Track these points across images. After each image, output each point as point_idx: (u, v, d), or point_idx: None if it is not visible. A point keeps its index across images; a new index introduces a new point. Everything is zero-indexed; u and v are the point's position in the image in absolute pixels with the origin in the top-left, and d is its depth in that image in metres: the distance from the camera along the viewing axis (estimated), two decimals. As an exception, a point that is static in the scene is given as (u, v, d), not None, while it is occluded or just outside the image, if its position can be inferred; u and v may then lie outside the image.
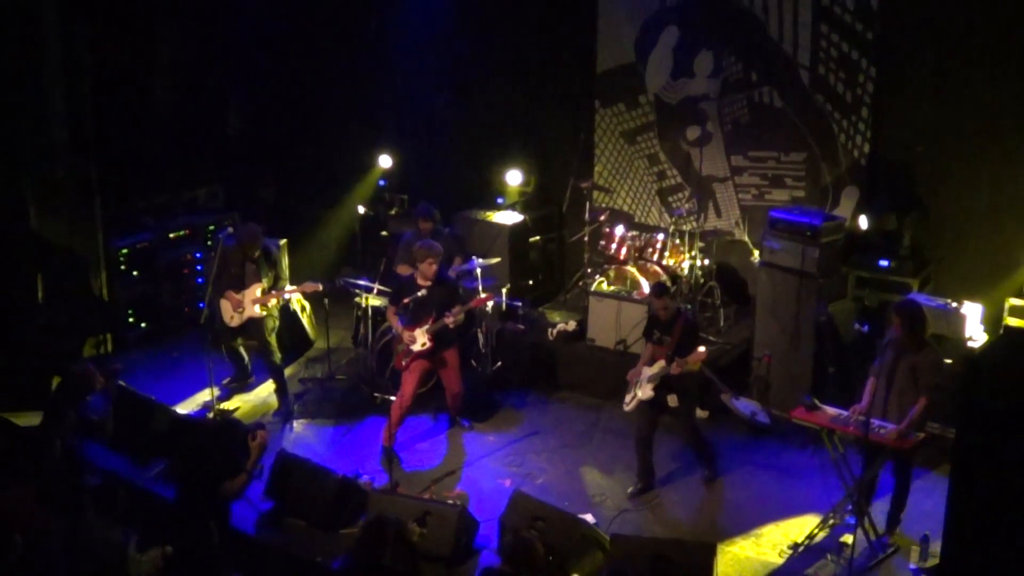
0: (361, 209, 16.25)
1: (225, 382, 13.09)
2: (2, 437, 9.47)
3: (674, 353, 10.68)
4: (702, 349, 10.75)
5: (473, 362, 13.18)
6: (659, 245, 14.07)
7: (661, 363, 10.76)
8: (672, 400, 10.86)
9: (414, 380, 11.62)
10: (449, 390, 12.05)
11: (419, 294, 11.46)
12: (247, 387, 13.27)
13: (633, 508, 10.76)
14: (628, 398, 11.13)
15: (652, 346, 11.03)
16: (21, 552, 7.85)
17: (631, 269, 13.70)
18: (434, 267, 11.53)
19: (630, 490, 11.07)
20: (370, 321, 13.27)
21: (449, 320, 11.45)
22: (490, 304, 12.59)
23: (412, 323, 11.57)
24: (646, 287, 13.39)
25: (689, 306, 13.49)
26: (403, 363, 11.64)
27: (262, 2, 15.90)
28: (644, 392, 10.89)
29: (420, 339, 11.48)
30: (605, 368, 13.12)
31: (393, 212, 15.99)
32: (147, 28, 15.19)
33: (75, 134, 12.68)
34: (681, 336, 10.80)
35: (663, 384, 10.80)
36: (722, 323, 13.79)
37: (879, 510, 10.09)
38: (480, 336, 13.17)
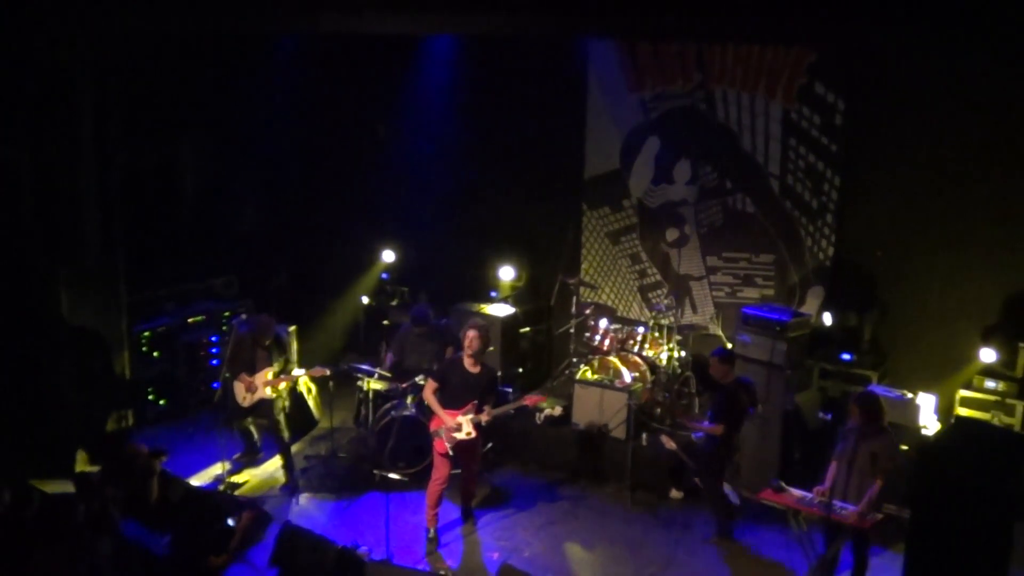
0: (365, 299, 16.40)
1: (236, 457, 13.11)
2: (32, 503, 9.51)
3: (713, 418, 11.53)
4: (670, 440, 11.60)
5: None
6: (640, 337, 14.19)
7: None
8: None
9: (450, 464, 11.30)
10: (467, 473, 11.70)
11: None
12: (256, 462, 13.28)
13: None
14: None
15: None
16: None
17: (614, 359, 13.79)
18: (479, 347, 11.08)
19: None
20: (371, 403, 13.37)
21: (486, 417, 11.07)
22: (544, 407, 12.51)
23: (450, 406, 11.18)
24: (627, 376, 13.51)
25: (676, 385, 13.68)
26: (449, 449, 11.13)
27: (277, 109, 16.15)
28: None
29: (465, 427, 11.06)
30: (588, 451, 13.21)
31: (394, 303, 16.11)
32: (172, 132, 15.43)
33: (105, 227, 12.81)
34: (715, 408, 11.60)
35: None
36: (696, 410, 13.86)
37: (840, 585, 10.17)
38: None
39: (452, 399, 11.21)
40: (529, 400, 11.74)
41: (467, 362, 11.20)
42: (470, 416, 11.09)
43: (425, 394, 11.46)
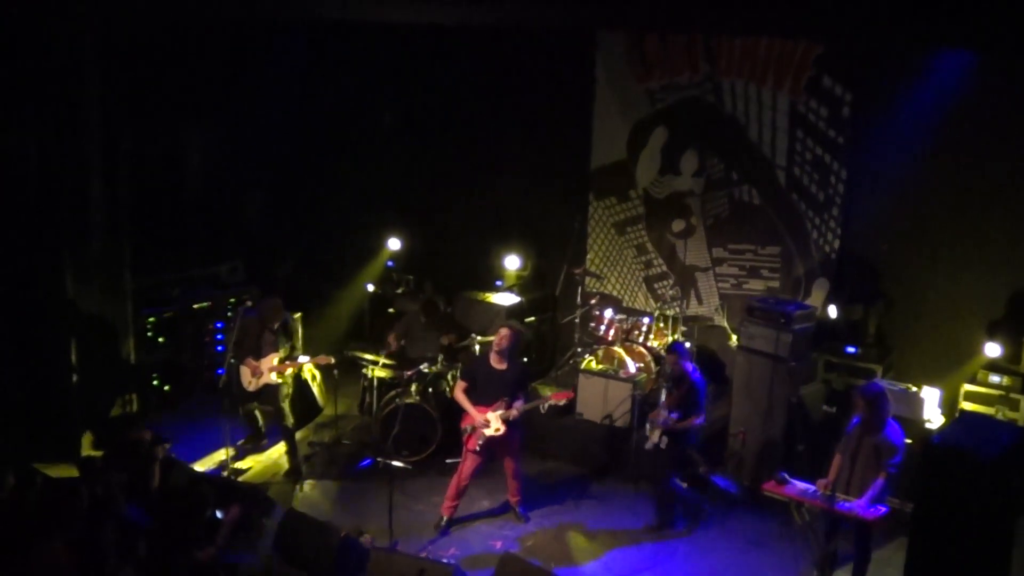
0: (370, 287, 16.42)
1: (240, 443, 13.14)
2: (34, 487, 9.53)
3: (675, 408, 11.11)
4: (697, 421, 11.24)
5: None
6: (645, 328, 14.19)
7: (664, 413, 11.11)
8: (663, 441, 11.25)
9: (478, 460, 11.39)
10: (509, 472, 11.71)
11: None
12: (260, 448, 13.31)
13: (616, 572, 10.82)
14: (648, 439, 11.44)
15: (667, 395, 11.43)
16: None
17: (618, 350, 13.80)
18: (509, 344, 11.18)
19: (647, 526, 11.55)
20: (375, 391, 13.39)
21: (514, 413, 11.12)
22: (562, 401, 12.05)
23: (481, 403, 11.28)
24: (632, 367, 13.51)
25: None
26: (477, 446, 11.25)
27: (284, 96, 16.16)
28: (654, 436, 11.25)
29: (494, 424, 11.15)
30: (592, 441, 13.23)
31: (400, 291, 16.14)
32: (178, 119, 15.43)
33: (111, 213, 12.82)
34: (683, 396, 11.15)
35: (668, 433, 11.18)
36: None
37: (842, 578, 10.18)
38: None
39: (482, 396, 11.28)
40: (556, 397, 11.71)
41: (493, 359, 11.30)
42: (499, 412, 11.14)
43: (456, 393, 11.55)
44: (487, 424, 11.17)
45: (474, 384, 11.36)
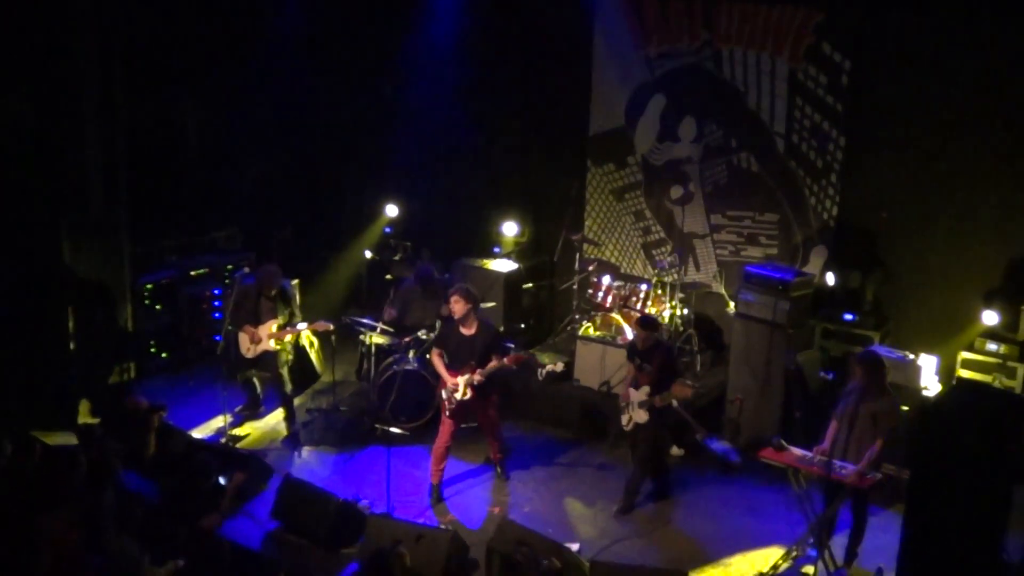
0: (368, 254, 16.38)
1: (237, 410, 13.13)
2: (34, 454, 9.53)
3: (656, 384, 10.92)
4: (687, 387, 11.09)
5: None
6: (642, 295, 14.14)
7: (646, 389, 10.97)
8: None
9: (453, 424, 11.38)
10: (488, 435, 11.85)
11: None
12: (258, 415, 13.31)
13: (612, 538, 10.83)
14: (624, 420, 11.33)
15: (635, 370, 11.25)
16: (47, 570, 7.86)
17: (616, 316, 13.77)
18: (464, 310, 11.15)
19: (615, 508, 11.31)
20: (373, 357, 13.37)
21: (478, 377, 11.08)
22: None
23: (453, 368, 11.28)
24: (629, 333, 13.48)
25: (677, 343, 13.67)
26: (448, 410, 11.34)
27: (282, 62, 16.06)
28: (639, 416, 11.08)
29: (462, 389, 11.18)
30: (589, 407, 13.23)
31: (397, 257, 16.09)
32: (177, 85, 15.36)
33: (109, 179, 12.77)
34: (660, 368, 10.99)
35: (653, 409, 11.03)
36: (699, 368, 13.86)
37: (838, 544, 10.17)
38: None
39: (454, 361, 11.32)
40: (509, 360, 11.50)
41: (461, 325, 11.29)
42: (466, 377, 11.14)
43: (432, 358, 11.59)
44: (456, 389, 11.20)
45: (447, 350, 11.41)
